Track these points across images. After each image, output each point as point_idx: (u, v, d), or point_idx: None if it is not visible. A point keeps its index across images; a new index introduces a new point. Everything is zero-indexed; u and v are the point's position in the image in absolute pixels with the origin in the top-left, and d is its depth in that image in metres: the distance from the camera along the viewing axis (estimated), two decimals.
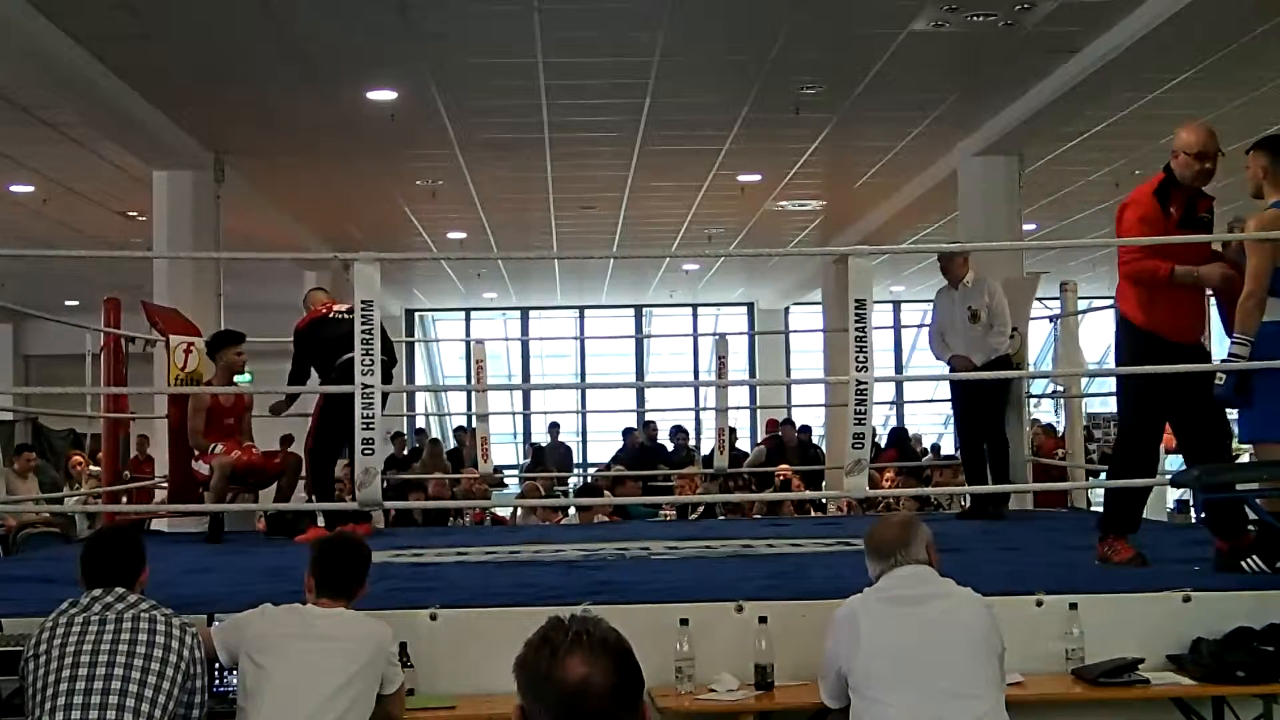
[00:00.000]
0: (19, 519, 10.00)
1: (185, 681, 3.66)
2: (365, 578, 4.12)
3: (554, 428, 18.10)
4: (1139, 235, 5.34)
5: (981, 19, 8.16)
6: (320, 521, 7.50)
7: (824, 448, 15.31)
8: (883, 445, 14.88)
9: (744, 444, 18.15)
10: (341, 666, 3.83)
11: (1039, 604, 4.66)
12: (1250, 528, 5.37)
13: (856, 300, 5.66)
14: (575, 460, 19.35)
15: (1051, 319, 10.26)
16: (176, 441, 8.04)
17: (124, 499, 9.00)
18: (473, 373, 11.50)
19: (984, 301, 8.16)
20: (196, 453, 7.75)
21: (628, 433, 16.39)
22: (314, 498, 7.54)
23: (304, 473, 7.75)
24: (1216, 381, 5.18)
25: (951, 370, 8.29)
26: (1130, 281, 5.42)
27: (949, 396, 8.90)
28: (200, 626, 3.96)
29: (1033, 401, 10.37)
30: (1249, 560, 5.10)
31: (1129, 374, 5.50)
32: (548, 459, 16.54)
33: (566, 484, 16.08)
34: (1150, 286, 5.36)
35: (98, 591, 3.73)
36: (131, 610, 3.69)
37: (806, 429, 15.06)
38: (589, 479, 15.26)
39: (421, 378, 23.43)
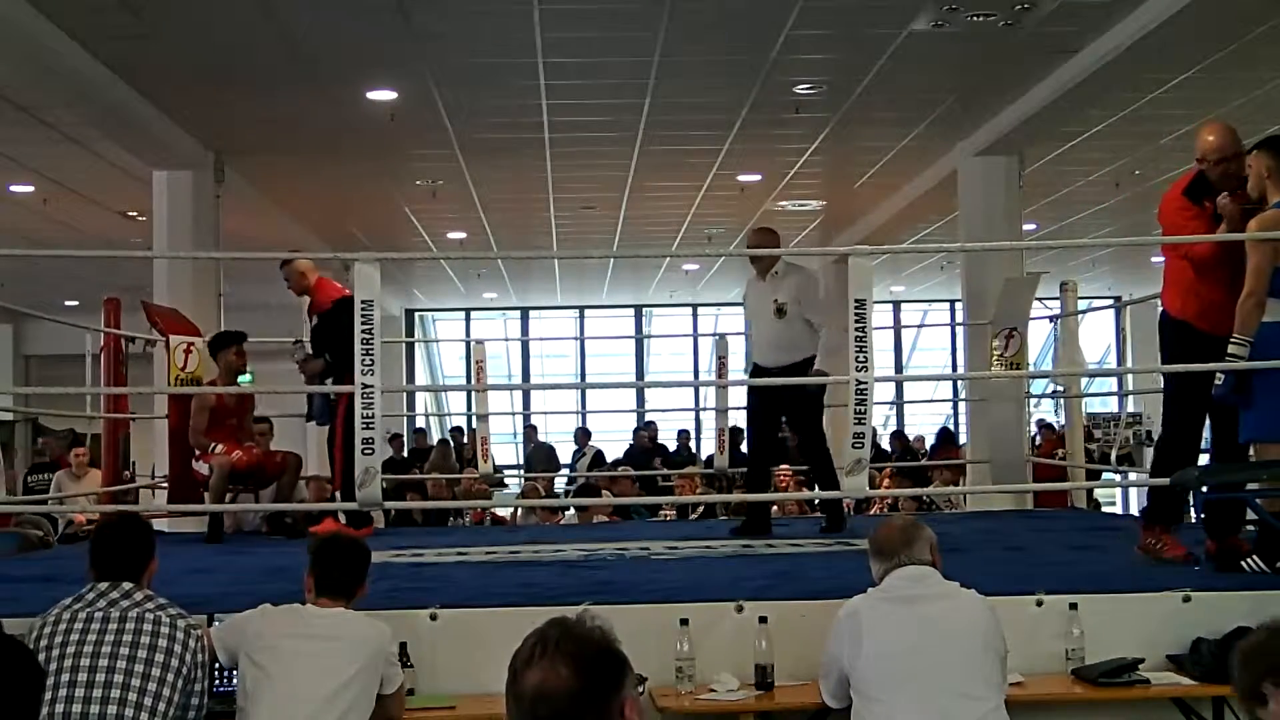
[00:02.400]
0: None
1: (185, 685, 3.64)
2: (365, 578, 4.12)
3: (531, 430, 17.98)
4: (1188, 234, 5.37)
5: (981, 19, 8.16)
6: (343, 518, 7.50)
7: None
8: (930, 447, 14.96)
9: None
10: (341, 667, 3.83)
11: (1039, 604, 4.66)
12: (1249, 528, 5.38)
13: (856, 300, 5.66)
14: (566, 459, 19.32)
15: (1051, 319, 10.27)
16: (176, 441, 8.04)
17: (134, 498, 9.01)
18: (473, 373, 11.50)
19: (792, 294, 7.12)
20: (197, 452, 7.75)
21: (635, 433, 16.39)
22: (340, 496, 7.47)
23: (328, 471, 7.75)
24: (1215, 381, 5.18)
25: (755, 378, 7.33)
26: (1196, 273, 5.38)
27: (744, 404, 7.49)
28: (200, 627, 3.95)
29: (1032, 401, 10.38)
30: (1249, 560, 5.10)
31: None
32: (532, 462, 16.45)
33: (554, 484, 16.07)
34: (1204, 271, 5.35)
35: (103, 586, 3.69)
36: (136, 609, 3.65)
37: None
38: (588, 479, 15.24)
39: (421, 378, 23.42)
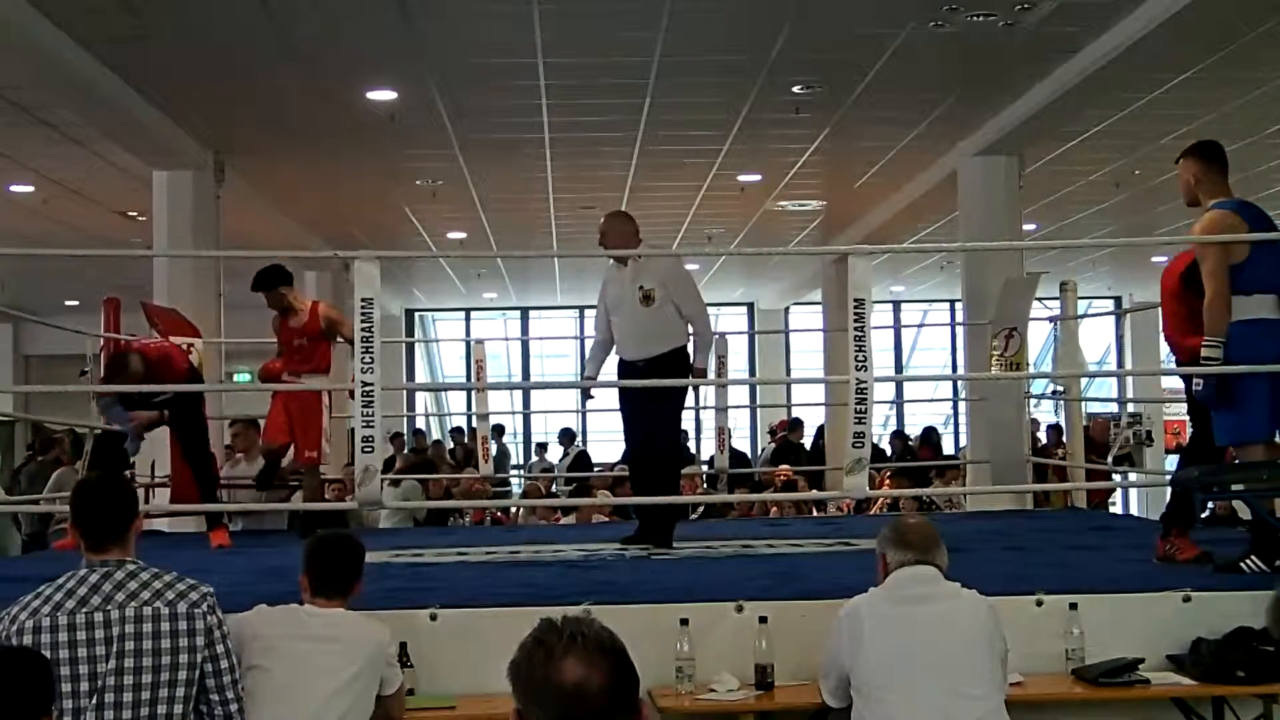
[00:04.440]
0: None
1: (193, 671, 3.41)
2: (360, 575, 4.11)
3: (498, 430, 17.82)
4: None
5: (981, 19, 8.16)
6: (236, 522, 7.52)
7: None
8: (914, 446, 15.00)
9: (741, 444, 18.16)
10: (340, 668, 3.83)
11: (1039, 604, 4.66)
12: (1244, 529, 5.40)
13: (856, 299, 5.66)
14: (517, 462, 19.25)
15: (1051, 319, 10.26)
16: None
17: None
18: (473, 373, 11.50)
19: (659, 278, 6.59)
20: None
21: None
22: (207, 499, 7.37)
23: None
24: (1195, 385, 5.24)
25: (621, 373, 6.82)
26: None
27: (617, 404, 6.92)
28: (211, 595, 3.62)
29: (1032, 402, 10.37)
30: (1249, 560, 5.11)
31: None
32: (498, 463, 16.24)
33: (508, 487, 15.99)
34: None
35: (95, 578, 3.38)
36: (133, 603, 3.36)
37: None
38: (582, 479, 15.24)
39: (422, 378, 23.43)
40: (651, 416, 6.63)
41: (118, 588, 3.39)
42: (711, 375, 8.05)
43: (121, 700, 3.31)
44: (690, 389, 6.97)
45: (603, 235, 6.85)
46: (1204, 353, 5.16)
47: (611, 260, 6.85)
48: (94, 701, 3.29)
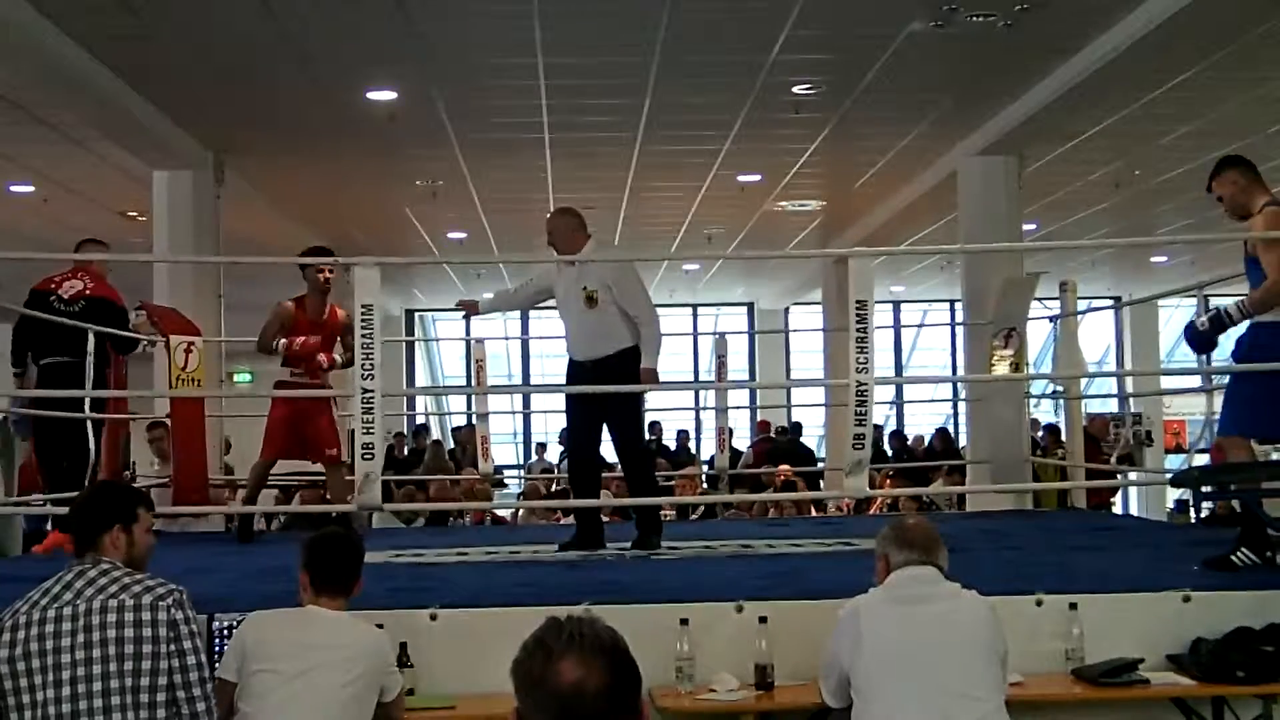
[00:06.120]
0: None
1: (158, 662, 3.42)
2: (360, 573, 4.11)
3: (421, 430, 17.61)
4: None
5: (981, 19, 8.16)
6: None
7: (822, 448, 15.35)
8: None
9: (742, 444, 18.17)
10: (343, 675, 3.82)
11: (1039, 604, 4.67)
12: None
13: (857, 302, 5.67)
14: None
15: (1051, 319, 10.26)
16: (183, 440, 8.03)
17: None
18: (473, 373, 11.49)
19: (603, 280, 6.46)
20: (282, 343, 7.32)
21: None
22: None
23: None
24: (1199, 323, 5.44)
25: (570, 374, 6.66)
26: None
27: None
28: (177, 590, 3.65)
29: (1032, 402, 10.37)
30: (1240, 553, 5.12)
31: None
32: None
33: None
34: None
35: (69, 577, 3.49)
36: (100, 596, 3.43)
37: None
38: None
39: (422, 378, 23.44)
40: (609, 421, 6.53)
41: (89, 584, 3.50)
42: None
43: (91, 690, 3.36)
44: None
45: (550, 235, 6.83)
46: (1228, 306, 5.28)
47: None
48: (67, 693, 3.35)
